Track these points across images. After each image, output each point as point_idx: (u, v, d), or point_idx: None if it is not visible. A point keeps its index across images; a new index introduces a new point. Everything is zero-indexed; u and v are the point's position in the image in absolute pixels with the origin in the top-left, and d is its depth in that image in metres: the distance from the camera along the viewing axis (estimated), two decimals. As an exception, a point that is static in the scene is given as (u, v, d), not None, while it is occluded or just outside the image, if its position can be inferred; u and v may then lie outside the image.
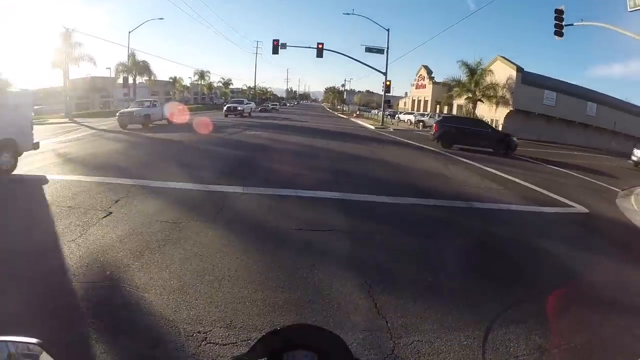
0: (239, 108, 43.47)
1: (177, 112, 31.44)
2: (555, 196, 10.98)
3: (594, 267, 6.30)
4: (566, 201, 10.47)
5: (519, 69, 40.52)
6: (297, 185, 9.72)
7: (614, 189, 13.55)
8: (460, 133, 21.46)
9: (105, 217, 6.75)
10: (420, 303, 4.44)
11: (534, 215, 9.03)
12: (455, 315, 4.23)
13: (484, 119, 43.27)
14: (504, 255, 6.38)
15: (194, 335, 3.59)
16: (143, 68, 51.10)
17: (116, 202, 7.60)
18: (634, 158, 21.29)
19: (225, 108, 44.74)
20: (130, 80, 48.84)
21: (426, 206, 8.88)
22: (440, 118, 22.22)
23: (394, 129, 37.62)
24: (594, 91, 44.50)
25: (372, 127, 38.62)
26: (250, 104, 52.07)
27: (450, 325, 4.05)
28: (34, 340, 0.92)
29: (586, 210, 9.74)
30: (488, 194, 10.63)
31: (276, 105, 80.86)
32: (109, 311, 3.94)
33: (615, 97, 45.63)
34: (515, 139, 21.42)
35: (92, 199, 7.76)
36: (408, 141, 25.32)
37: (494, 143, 21.06)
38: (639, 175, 18.32)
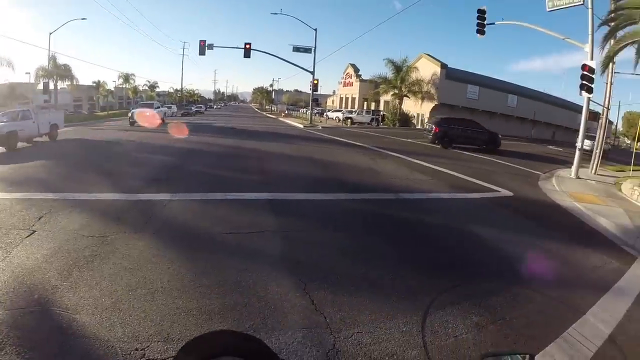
0: (147, 114, 32.86)
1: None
2: (482, 182, 11.55)
3: (520, 244, 6.71)
4: (492, 186, 11.05)
5: (443, 66, 42.55)
6: (226, 189, 9.51)
7: (536, 172, 14.49)
8: (457, 134, 22.28)
9: (28, 236, 6.23)
10: (356, 296, 4.48)
11: (461, 201, 9.46)
12: (392, 304, 4.31)
13: (410, 114, 44.99)
14: (435, 242, 6.61)
15: (132, 353, 3.43)
16: (65, 72, 48.14)
17: (39, 219, 7.05)
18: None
19: (129, 115, 33.62)
20: (52, 86, 45.78)
21: (356, 201, 9.03)
22: (439, 119, 22.62)
23: (322, 127, 37.96)
24: (515, 84, 47.91)
25: (301, 126, 38.78)
26: (162, 107, 43.97)
27: (388, 314, 4.11)
28: None
29: (510, 194, 10.33)
30: (417, 185, 10.97)
31: (201, 107, 78.24)
32: (41, 338, 3.66)
33: (535, 89, 49.19)
34: (500, 136, 22.82)
35: (14, 217, 7.14)
36: (337, 138, 25.62)
37: (485, 141, 22.15)
38: (557, 159, 19.67)
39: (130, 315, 4.02)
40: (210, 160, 14.53)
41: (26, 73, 61.03)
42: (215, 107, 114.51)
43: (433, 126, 22.30)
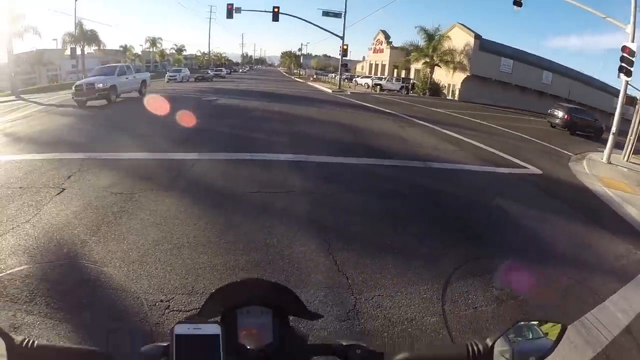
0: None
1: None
2: (511, 158, 11.35)
3: (546, 224, 6.61)
4: (521, 162, 10.86)
5: (477, 36, 41.19)
6: (253, 150, 9.57)
7: (568, 153, 14.15)
8: (581, 123, 22.31)
9: (58, 194, 6.41)
10: (379, 260, 4.52)
11: (489, 175, 9.33)
12: (414, 270, 4.35)
13: (440, 83, 44.14)
14: (460, 213, 6.56)
15: (157, 304, 3.55)
16: (91, 37, 48.48)
17: (69, 177, 7.22)
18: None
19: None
20: (79, 51, 46.07)
21: (384, 166, 9.01)
22: (570, 108, 22.84)
23: (351, 92, 37.55)
24: (550, 61, 46.07)
25: (329, 91, 38.41)
26: (180, 71, 49.10)
27: (410, 279, 4.16)
28: None
29: (539, 172, 10.14)
30: (445, 155, 10.84)
31: (222, 71, 69.74)
32: (70, 290, 3.79)
33: (570, 67, 47.47)
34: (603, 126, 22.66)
35: (44, 177, 7.32)
36: (365, 104, 25.33)
37: (596, 130, 22.20)
38: (590, 142, 19.16)
39: (156, 268, 4.16)
40: (237, 122, 14.54)
41: (53, 40, 61.48)
42: (240, 70, 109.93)
43: (565, 114, 22.21)
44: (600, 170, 11.81)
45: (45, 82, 52.58)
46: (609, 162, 13.53)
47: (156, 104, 17.82)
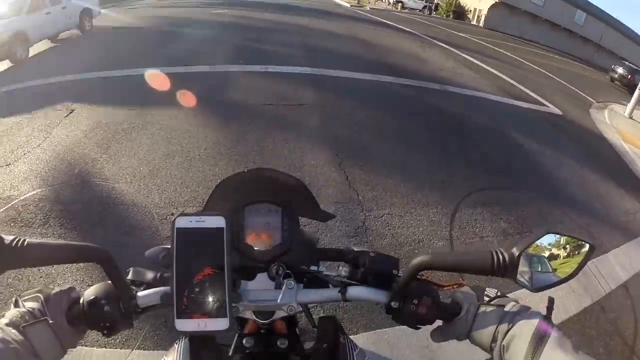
0: None
1: None
2: (532, 93, 11.08)
3: (560, 166, 6.57)
4: (542, 100, 10.62)
5: (511, -43, 38.86)
6: (265, 62, 9.29)
7: (590, 99, 13.81)
8: None
9: (67, 115, 6.26)
10: (391, 179, 4.56)
11: (509, 107, 9.16)
12: (425, 193, 4.39)
13: (466, 7, 42.35)
14: (476, 142, 6.51)
15: (167, 217, 3.62)
16: None
17: (78, 98, 7.01)
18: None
19: None
20: None
21: (400, 85, 8.82)
22: (633, 69, 22.05)
23: (370, 8, 36.00)
24: (587, 1, 43.70)
25: (347, 5, 36.82)
26: None
27: (420, 201, 4.20)
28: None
29: (560, 112, 9.95)
30: (464, 81, 10.59)
31: None
32: (82, 208, 3.85)
33: (606, 11, 45.01)
34: None
35: (53, 100, 7.05)
36: (385, 21, 24.36)
37: None
38: (615, 92, 18.70)
39: (167, 182, 4.21)
40: (249, 35, 14.03)
41: None
42: None
43: (628, 74, 21.36)
44: (620, 123, 11.58)
45: None
46: (631, 117, 13.26)
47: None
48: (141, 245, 3.29)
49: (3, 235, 0.80)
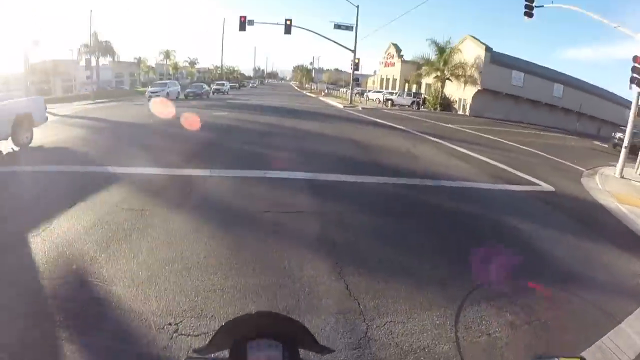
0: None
1: None
2: (523, 175, 11.25)
3: (560, 245, 6.50)
4: (533, 179, 10.75)
5: (488, 49, 41.11)
6: (264, 167, 9.60)
7: (579, 168, 14.00)
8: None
9: (70, 207, 6.47)
10: (391, 284, 4.47)
11: (501, 193, 9.25)
12: (426, 295, 4.28)
13: (452, 98, 44.03)
14: (473, 233, 6.47)
15: (165, 327, 3.51)
16: (106, 48, 49.45)
17: (81, 191, 7.31)
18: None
19: None
20: (93, 62, 46.96)
21: (395, 185, 8.95)
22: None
23: (362, 108, 37.63)
24: (562, 73, 45.68)
25: (341, 106, 38.54)
26: (165, 85, 38.58)
27: (422, 305, 4.09)
28: None
29: (552, 189, 10.03)
30: (456, 173, 10.78)
31: (223, 85, 58.17)
32: (77, 308, 3.80)
33: (582, 79, 46.86)
34: None
35: (56, 189, 7.46)
36: (376, 120, 25.38)
37: None
38: (602, 155, 18.97)
39: (166, 289, 4.13)
40: (248, 138, 14.64)
41: (69, 50, 62.75)
42: (250, 85, 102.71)
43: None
44: (613, 186, 11.65)
45: (60, 92, 53.49)
46: (622, 177, 13.35)
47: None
48: (136, 354, 3.21)
49: None
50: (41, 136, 12.76)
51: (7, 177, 8.43)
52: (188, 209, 6.64)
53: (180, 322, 3.59)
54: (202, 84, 51.05)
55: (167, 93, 36.62)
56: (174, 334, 3.42)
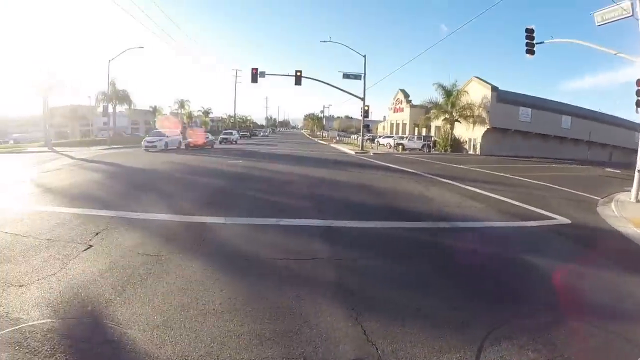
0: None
1: None
2: (537, 209, 11.10)
3: (581, 277, 6.34)
4: (547, 213, 10.59)
5: (494, 88, 41.59)
6: (278, 214, 9.61)
7: (594, 197, 13.79)
8: None
9: (85, 250, 6.57)
10: (409, 328, 4.36)
11: (517, 230, 9.09)
12: (445, 338, 4.16)
13: (461, 139, 44.15)
14: (490, 273, 6.34)
15: None
16: (123, 97, 51.39)
17: (96, 234, 7.43)
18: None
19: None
20: (110, 109, 48.82)
21: (409, 229, 8.84)
22: None
23: (373, 153, 37.90)
24: (568, 104, 45.93)
25: (352, 152, 38.89)
26: (161, 136, 35.94)
27: (442, 347, 3.97)
28: None
29: (568, 221, 9.85)
30: (470, 213, 10.67)
31: (231, 134, 54.23)
32: (91, 349, 3.79)
33: (589, 108, 47.04)
34: None
35: (72, 231, 7.58)
36: (388, 164, 25.48)
37: None
38: (616, 182, 18.69)
39: (181, 334, 4.09)
40: (262, 186, 14.77)
41: (87, 97, 65.25)
42: (261, 134, 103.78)
43: None
44: (630, 211, 11.42)
45: (77, 135, 55.43)
46: (638, 201, 13.10)
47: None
48: None
49: None
50: (59, 178, 13.11)
51: (32, 215, 8.75)
52: (203, 255, 6.63)
53: None
54: (204, 131, 45.44)
55: (166, 143, 34.08)
56: (189, 380, 3.34)
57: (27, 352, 3.61)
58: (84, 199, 10.79)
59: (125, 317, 4.40)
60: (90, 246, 6.77)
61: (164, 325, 4.26)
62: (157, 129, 47.20)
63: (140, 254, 6.48)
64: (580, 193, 14.76)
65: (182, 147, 37.59)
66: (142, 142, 34.93)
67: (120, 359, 3.68)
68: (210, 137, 42.77)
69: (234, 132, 60.28)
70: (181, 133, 42.48)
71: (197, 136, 39.23)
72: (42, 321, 4.21)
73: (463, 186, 15.82)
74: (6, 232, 7.45)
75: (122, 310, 4.56)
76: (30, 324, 4.13)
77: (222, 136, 53.04)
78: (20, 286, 5.08)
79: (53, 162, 21.36)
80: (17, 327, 4.04)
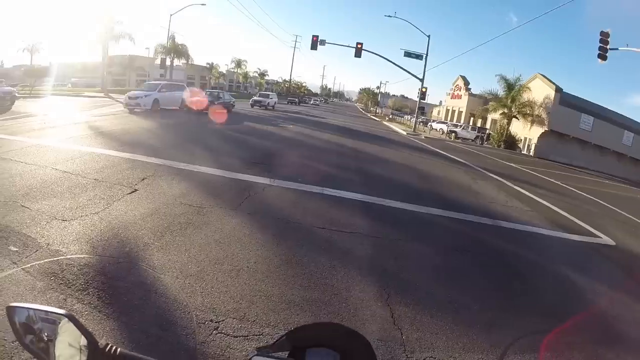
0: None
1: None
2: (582, 223, 10.65)
3: (614, 303, 6.08)
4: (593, 230, 10.14)
5: (558, 89, 39.38)
6: (324, 183, 9.66)
7: (644, 223, 13.10)
8: None
9: (130, 193, 6.83)
10: (437, 319, 4.34)
11: (559, 241, 8.75)
12: (470, 336, 4.12)
13: (517, 136, 42.49)
14: (526, 279, 6.17)
15: (206, 323, 3.56)
16: (181, 51, 51.76)
17: (142, 180, 7.70)
18: None
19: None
20: (168, 62, 49.49)
21: (452, 219, 8.70)
22: None
23: (425, 137, 37.17)
24: (633, 120, 42.99)
25: (404, 133, 38.29)
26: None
27: (465, 345, 3.95)
28: (61, 311, 0.89)
29: (612, 242, 9.44)
30: (515, 214, 10.35)
31: (267, 97, 45.35)
32: (124, 288, 3.92)
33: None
34: None
35: (119, 174, 7.88)
36: (439, 150, 24.99)
37: None
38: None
39: (212, 287, 4.18)
40: (311, 153, 14.81)
41: (146, 48, 66.06)
42: (312, 102, 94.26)
43: None
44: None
45: (134, 85, 56.66)
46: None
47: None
48: (175, 342, 3.29)
49: (97, 339, 0.86)
50: (112, 123, 13.65)
51: (83, 155, 9.18)
52: (244, 213, 6.75)
53: (222, 321, 3.62)
54: (223, 92, 36.97)
55: (156, 100, 23.47)
56: (214, 332, 3.45)
57: (61, 284, 3.78)
58: (133, 145, 11.15)
59: (161, 262, 4.54)
60: (136, 190, 7.01)
61: (197, 275, 4.37)
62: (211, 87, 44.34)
63: (182, 204, 6.66)
64: (630, 216, 14.02)
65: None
66: (124, 99, 23.94)
67: (149, 300, 3.79)
68: (228, 97, 33.37)
69: (272, 94, 49.21)
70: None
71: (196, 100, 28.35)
72: (79, 256, 4.40)
73: (512, 185, 15.32)
74: (57, 169, 7.83)
75: (158, 255, 4.71)
76: (68, 256, 4.33)
77: (254, 99, 45.07)
78: (63, 220, 5.33)
79: (107, 108, 22.08)
80: (55, 259, 4.24)
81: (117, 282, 4.00)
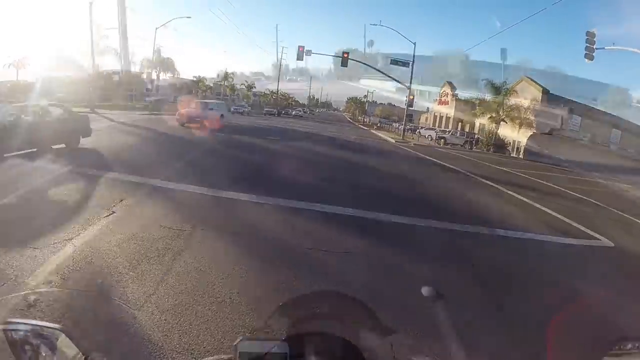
0: None
1: None
2: (579, 226, 10.48)
3: (619, 309, 5.83)
4: (591, 232, 9.98)
5: (545, 91, 39.86)
6: (312, 198, 9.40)
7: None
8: None
9: (107, 216, 6.51)
10: (439, 345, 4.06)
11: (557, 246, 8.56)
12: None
13: (505, 139, 42.74)
14: (527, 293, 5.92)
15: None
16: (168, 65, 51.72)
17: (121, 201, 7.40)
18: None
19: None
20: (154, 76, 49.47)
21: (448, 231, 8.44)
22: None
23: (414, 144, 37.21)
24: (620, 118, 43.55)
25: (393, 141, 38.28)
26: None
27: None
28: (55, 325, 0.99)
29: (611, 244, 9.27)
30: (511, 220, 10.19)
31: (243, 106, 48.27)
32: (94, 324, 3.64)
33: (641, 124, 44.40)
34: None
35: (98, 195, 7.64)
36: (428, 157, 24.94)
37: None
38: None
39: (191, 324, 3.78)
40: (298, 166, 14.60)
41: (132, 62, 66.35)
42: (294, 113, 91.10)
43: None
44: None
45: (120, 100, 56.51)
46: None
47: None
48: None
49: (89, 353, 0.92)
50: (95, 139, 13.53)
51: (56, 177, 8.88)
52: (227, 235, 6.42)
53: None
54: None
55: None
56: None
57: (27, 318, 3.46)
58: (115, 162, 10.96)
59: (135, 296, 4.16)
60: (113, 212, 6.68)
61: (173, 310, 3.97)
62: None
63: (162, 227, 6.29)
64: (627, 216, 13.88)
65: None
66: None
67: (121, 339, 3.45)
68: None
69: (213, 103, 34.93)
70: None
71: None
72: (48, 290, 4.08)
73: (505, 190, 15.23)
74: (32, 190, 7.52)
75: (132, 287, 4.34)
76: (36, 290, 4.00)
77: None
78: (34, 248, 4.99)
79: (93, 123, 21.79)
80: (22, 293, 3.92)
81: (87, 318, 3.71)
